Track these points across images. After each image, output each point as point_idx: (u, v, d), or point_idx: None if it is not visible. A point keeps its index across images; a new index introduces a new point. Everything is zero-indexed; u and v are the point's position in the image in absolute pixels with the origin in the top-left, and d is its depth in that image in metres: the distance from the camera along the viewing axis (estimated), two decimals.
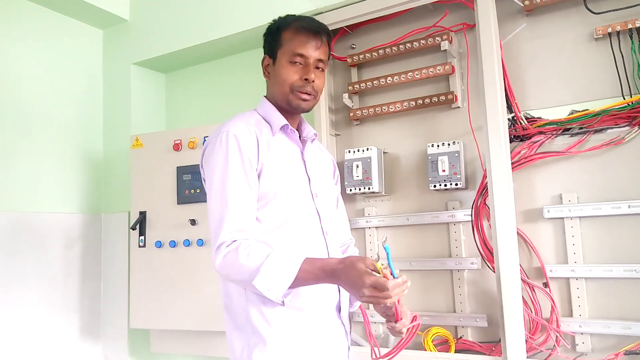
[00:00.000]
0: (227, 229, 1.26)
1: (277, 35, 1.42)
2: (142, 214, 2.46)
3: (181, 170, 2.38)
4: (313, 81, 1.38)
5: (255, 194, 1.31)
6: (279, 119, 1.41)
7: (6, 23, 2.49)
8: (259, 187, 1.32)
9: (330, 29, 2.18)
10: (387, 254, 1.16)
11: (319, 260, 1.24)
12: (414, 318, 1.34)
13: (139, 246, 2.45)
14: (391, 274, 1.16)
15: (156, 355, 2.68)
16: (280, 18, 1.46)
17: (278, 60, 1.41)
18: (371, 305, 2.11)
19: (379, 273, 1.14)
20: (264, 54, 1.47)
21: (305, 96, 1.39)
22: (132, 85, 2.84)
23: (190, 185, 2.35)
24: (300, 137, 1.48)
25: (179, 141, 2.41)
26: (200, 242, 2.30)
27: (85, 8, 2.68)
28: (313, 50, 1.38)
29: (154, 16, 2.78)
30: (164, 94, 3.03)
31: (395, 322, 1.25)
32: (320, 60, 1.40)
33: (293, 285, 1.21)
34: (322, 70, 1.43)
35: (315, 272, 1.20)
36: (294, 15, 1.47)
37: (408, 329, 1.30)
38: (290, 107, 1.41)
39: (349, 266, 1.16)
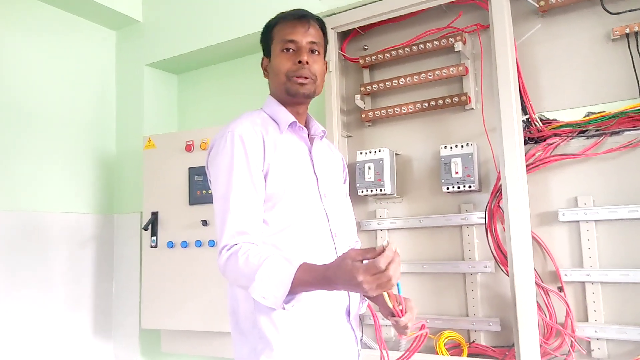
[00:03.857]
0: (228, 232, 1.23)
1: (268, 34, 1.42)
2: (154, 215, 2.47)
3: (193, 171, 2.39)
4: (307, 62, 1.35)
5: (260, 196, 1.28)
6: (287, 117, 1.38)
7: (20, 24, 2.52)
8: (266, 189, 1.30)
9: (342, 30, 2.23)
10: (398, 287, 1.14)
11: (314, 267, 1.14)
12: (422, 326, 1.31)
13: (151, 246, 2.46)
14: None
15: (167, 355, 2.69)
16: (269, 20, 1.46)
17: (272, 54, 1.40)
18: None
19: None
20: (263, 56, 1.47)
21: (301, 80, 1.35)
22: (144, 86, 2.86)
23: (202, 186, 2.36)
24: (308, 134, 1.45)
25: (191, 142, 2.41)
26: (212, 243, 2.30)
27: (99, 9, 2.70)
28: (302, 35, 1.36)
29: (167, 18, 2.79)
30: (176, 95, 3.05)
31: (399, 317, 1.21)
32: (313, 43, 1.37)
33: (292, 293, 1.15)
34: (319, 54, 1.40)
35: (310, 281, 1.12)
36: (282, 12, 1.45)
37: (416, 337, 1.26)
38: (290, 94, 1.37)
39: (336, 269, 1.08)
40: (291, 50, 1.36)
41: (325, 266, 1.13)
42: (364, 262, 1.05)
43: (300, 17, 1.38)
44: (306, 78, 1.35)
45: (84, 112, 2.77)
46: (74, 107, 2.71)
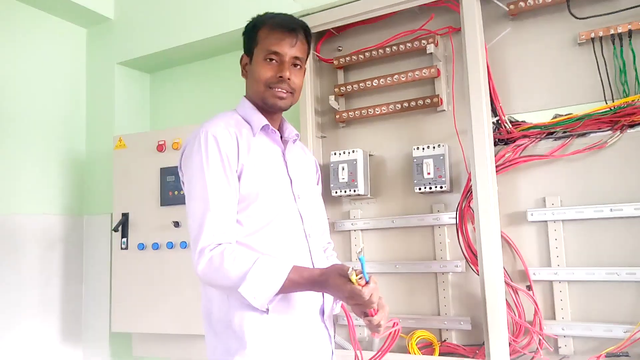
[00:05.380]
0: (208, 232, 1.23)
1: (253, 34, 1.41)
2: (125, 216, 2.42)
3: (165, 172, 2.36)
4: (289, 79, 1.36)
5: (235, 196, 1.29)
6: (260, 119, 1.39)
7: None
8: (240, 189, 1.30)
9: (316, 30, 2.22)
10: (362, 265, 1.17)
11: (305, 270, 1.24)
12: (395, 323, 1.34)
13: (121, 248, 2.42)
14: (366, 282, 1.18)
15: (138, 359, 2.64)
16: (257, 16, 1.44)
17: (254, 58, 1.39)
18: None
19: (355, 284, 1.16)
20: (243, 52, 1.46)
21: (281, 94, 1.37)
22: (115, 85, 2.81)
23: (173, 187, 2.32)
24: (282, 137, 1.46)
25: (162, 142, 2.38)
26: (184, 245, 2.27)
27: (69, 6, 2.64)
28: (288, 48, 1.36)
29: (139, 15, 2.75)
30: (148, 94, 3.00)
31: (371, 316, 1.24)
32: (297, 58, 1.38)
33: (278, 293, 1.22)
34: (300, 67, 1.41)
35: (301, 282, 1.21)
36: (272, 13, 1.44)
37: (389, 334, 1.29)
38: (267, 105, 1.39)
39: (332, 278, 1.18)
40: (274, 61, 1.37)
41: (319, 271, 1.22)
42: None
43: (290, 29, 1.37)
44: (285, 92, 1.37)
45: (53, 111, 2.70)
46: (42, 106, 2.64)
